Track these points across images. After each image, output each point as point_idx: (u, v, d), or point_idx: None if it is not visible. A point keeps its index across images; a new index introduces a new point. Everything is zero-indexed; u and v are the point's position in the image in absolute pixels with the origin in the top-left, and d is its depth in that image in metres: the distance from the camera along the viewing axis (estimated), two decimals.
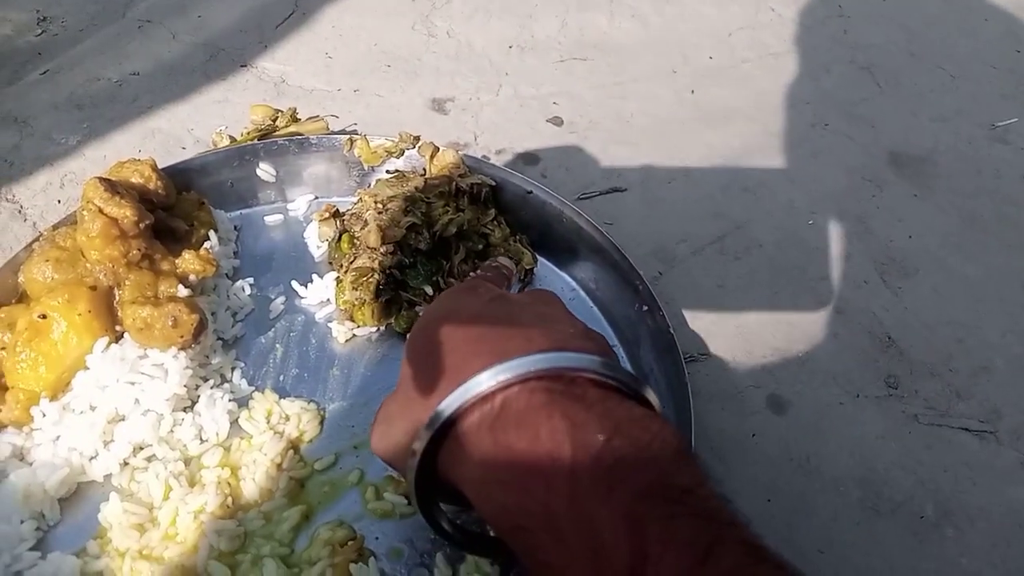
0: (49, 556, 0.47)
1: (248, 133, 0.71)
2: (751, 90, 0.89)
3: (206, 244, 0.60)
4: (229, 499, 0.50)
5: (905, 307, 0.69)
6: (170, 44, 0.88)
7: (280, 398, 0.56)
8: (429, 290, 0.60)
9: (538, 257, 0.65)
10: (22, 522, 0.48)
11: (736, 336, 0.65)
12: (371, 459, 0.53)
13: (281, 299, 0.62)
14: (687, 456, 0.32)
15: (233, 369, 0.58)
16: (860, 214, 0.76)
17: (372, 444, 0.43)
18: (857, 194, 0.78)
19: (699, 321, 0.66)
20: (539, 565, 0.32)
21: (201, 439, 0.53)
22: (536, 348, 0.35)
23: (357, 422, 0.55)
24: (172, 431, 0.53)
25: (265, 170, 0.67)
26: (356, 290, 0.58)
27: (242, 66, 0.86)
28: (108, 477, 0.51)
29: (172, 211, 0.61)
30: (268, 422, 0.54)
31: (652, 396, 0.36)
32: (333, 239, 0.63)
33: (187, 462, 0.52)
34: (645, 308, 0.59)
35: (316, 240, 0.65)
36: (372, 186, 0.65)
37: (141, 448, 0.52)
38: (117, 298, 0.54)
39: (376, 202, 0.62)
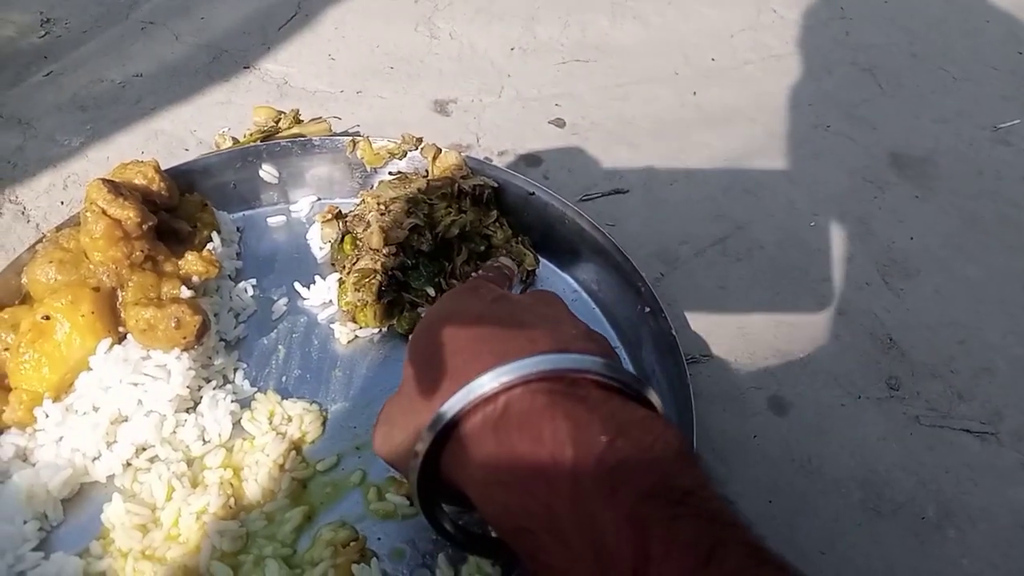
0: (52, 556, 0.47)
1: (251, 135, 0.72)
2: (753, 91, 0.89)
3: (209, 245, 0.60)
4: (231, 500, 0.50)
5: (907, 308, 0.69)
6: (173, 46, 0.88)
7: (282, 399, 0.56)
8: (431, 291, 0.60)
9: (540, 258, 0.65)
10: (25, 523, 0.48)
11: (738, 337, 0.65)
12: (373, 460, 0.53)
13: (283, 300, 0.62)
14: (689, 458, 0.32)
15: (235, 370, 0.58)
16: (861, 215, 0.76)
17: (374, 445, 0.43)
18: (858, 195, 0.78)
19: (701, 322, 0.66)
20: (541, 566, 0.32)
21: (204, 440, 0.53)
22: (539, 349, 0.35)
23: (359, 423, 0.56)
24: (175, 432, 0.53)
25: (268, 172, 0.67)
26: (358, 291, 0.59)
27: (245, 68, 0.86)
28: (111, 478, 0.51)
29: (175, 212, 0.61)
30: (270, 423, 0.54)
31: (655, 398, 0.36)
32: (335, 240, 0.63)
33: (190, 463, 0.52)
34: (647, 309, 0.59)
35: (319, 241, 0.65)
36: (375, 188, 0.65)
37: (144, 449, 0.52)
38: (120, 299, 0.54)
39: (379, 203, 0.62)
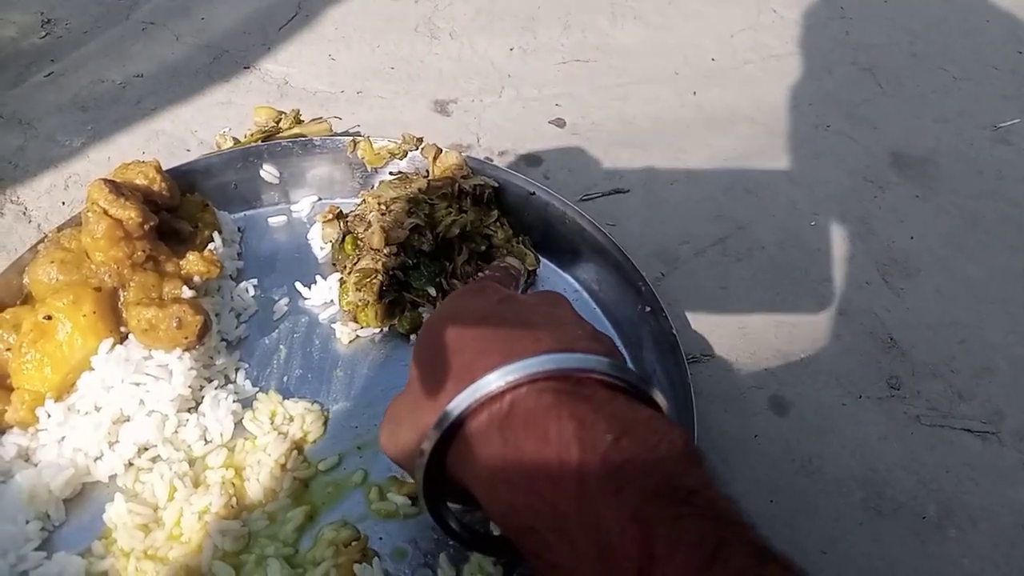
0: (54, 556, 0.47)
1: (252, 135, 0.72)
2: (753, 91, 0.89)
3: (210, 245, 0.61)
4: (233, 499, 0.50)
5: (907, 308, 0.69)
6: (174, 46, 0.88)
7: (284, 399, 0.56)
8: (432, 291, 0.60)
9: (541, 258, 0.65)
10: (27, 522, 0.48)
11: (738, 337, 0.65)
12: (375, 459, 0.53)
13: (285, 300, 0.62)
14: (694, 457, 0.32)
15: (237, 370, 0.58)
16: (862, 215, 0.76)
17: (381, 444, 0.43)
18: (859, 195, 0.78)
19: (701, 322, 0.66)
20: (547, 565, 0.32)
21: (205, 440, 0.53)
22: (544, 349, 0.36)
23: (361, 423, 0.56)
24: (176, 432, 0.53)
25: (269, 172, 0.67)
26: (359, 291, 0.59)
27: (245, 68, 0.86)
28: (113, 478, 0.51)
29: (176, 213, 0.61)
30: (272, 423, 0.54)
31: (660, 398, 0.36)
32: (337, 240, 0.63)
33: (191, 463, 0.52)
34: (648, 309, 0.59)
35: (320, 241, 0.65)
36: (375, 188, 0.65)
37: (146, 449, 0.52)
38: (122, 299, 0.54)
39: (379, 203, 0.62)
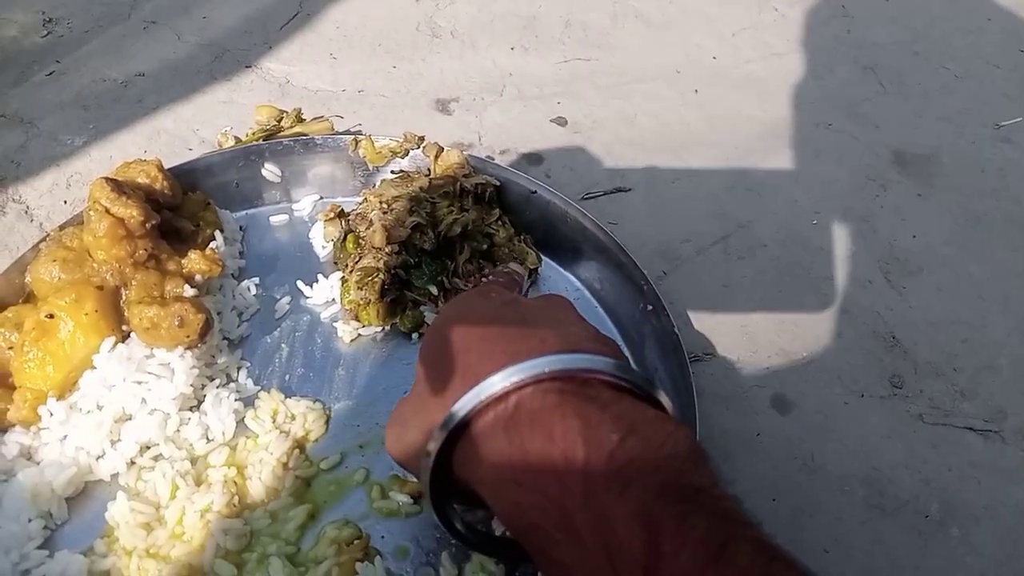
0: (57, 555, 0.47)
1: (253, 133, 0.72)
2: (755, 90, 0.89)
3: (212, 244, 0.61)
4: (235, 498, 0.50)
5: (909, 306, 0.69)
6: (175, 45, 0.88)
7: (286, 397, 0.56)
8: (434, 290, 0.60)
9: (542, 257, 0.65)
10: (30, 521, 0.48)
11: (740, 336, 0.65)
12: (377, 458, 0.53)
13: (286, 299, 0.62)
14: (700, 456, 0.32)
15: (239, 369, 0.58)
16: (864, 213, 0.76)
17: (386, 445, 0.43)
18: (861, 193, 0.78)
19: (703, 321, 0.66)
20: (553, 564, 0.32)
21: (207, 438, 0.53)
22: (549, 349, 0.36)
23: (362, 421, 0.56)
24: (178, 430, 0.53)
25: (270, 170, 0.67)
26: (361, 290, 0.59)
27: (247, 67, 0.86)
28: (115, 476, 0.51)
29: (178, 211, 0.61)
30: (274, 421, 0.54)
31: (664, 398, 0.37)
32: (338, 239, 0.63)
33: (193, 461, 0.52)
34: (650, 308, 0.59)
35: (321, 240, 0.65)
36: (377, 186, 0.65)
37: (148, 447, 0.52)
38: (124, 298, 0.54)
39: (381, 202, 0.62)
